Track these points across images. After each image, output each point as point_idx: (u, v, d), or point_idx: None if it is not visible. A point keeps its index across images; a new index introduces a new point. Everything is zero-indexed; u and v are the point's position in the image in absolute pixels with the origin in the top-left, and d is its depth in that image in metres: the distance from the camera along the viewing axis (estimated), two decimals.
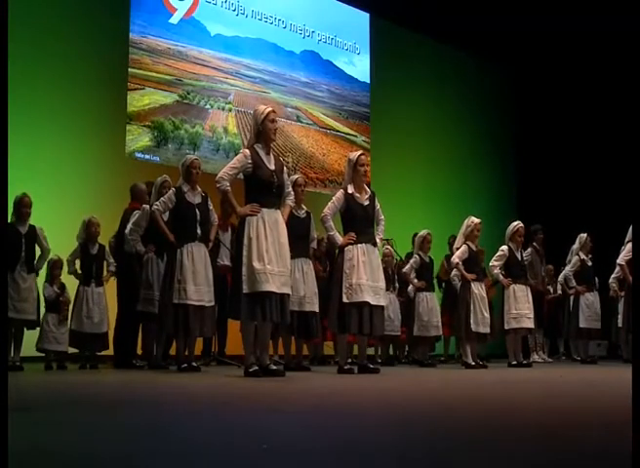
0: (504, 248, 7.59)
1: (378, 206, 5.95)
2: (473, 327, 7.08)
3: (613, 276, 8.59)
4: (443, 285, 9.10)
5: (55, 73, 8.38)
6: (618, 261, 7.89)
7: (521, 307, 7.46)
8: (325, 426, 2.29)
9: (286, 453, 1.74)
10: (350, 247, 5.69)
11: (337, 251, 5.95)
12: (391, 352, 8.66)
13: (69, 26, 8.59)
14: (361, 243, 5.71)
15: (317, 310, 6.31)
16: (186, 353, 5.91)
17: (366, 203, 5.83)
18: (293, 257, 5.91)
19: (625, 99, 10.45)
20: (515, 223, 7.71)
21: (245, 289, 4.78)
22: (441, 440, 2.00)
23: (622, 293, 8.52)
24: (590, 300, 8.74)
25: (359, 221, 5.78)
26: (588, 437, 2.08)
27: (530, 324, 7.53)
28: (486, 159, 13.39)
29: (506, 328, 7.47)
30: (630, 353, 8.20)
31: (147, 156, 9.11)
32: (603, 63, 12.12)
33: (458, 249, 7.34)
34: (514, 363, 7.39)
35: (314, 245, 6.71)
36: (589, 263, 8.84)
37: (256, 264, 4.77)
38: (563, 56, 12.74)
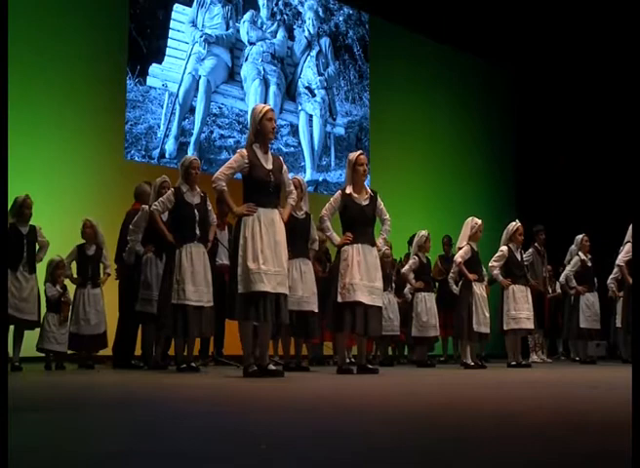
0: (504, 248, 7.57)
1: (381, 205, 5.92)
2: (475, 327, 7.09)
3: (611, 277, 8.60)
4: (437, 285, 9.06)
5: (54, 73, 8.36)
6: (617, 262, 7.88)
7: (520, 308, 7.44)
8: (325, 426, 2.28)
9: (286, 453, 1.74)
10: (347, 247, 5.69)
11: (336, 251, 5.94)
12: (390, 352, 8.66)
13: (68, 26, 8.58)
14: (358, 243, 5.70)
15: (316, 310, 6.31)
16: (185, 353, 5.91)
17: (365, 203, 5.82)
18: (291, 258, 5.92)
19: (625, 100, 10.47)
20: (514, 223, 7.71)
21: (240, 289, 4.77)
22: (441, 440, 2.00)
23: (621, 294, 8.53)
24: (590, 301, 8.74)
25: (357, 222, 5.77)
26: (588, 437, 2.08)
27: (529, 325, 7.51)
28: (485, 159, 13.39)
29: (505, 328, 7.47)
30: (629, 353, 8.21)
31: (146, 157, 9.10)
32: (603, 63, 12.13)
33: (460, 249, 7.35)
34: (513, 363, 7.39)
35: (316, 246, 6.69)
36: (589, 264, 8.84)
37: (250, 264, 4.75)
38: (563, 55, 12.75)
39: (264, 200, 4.94)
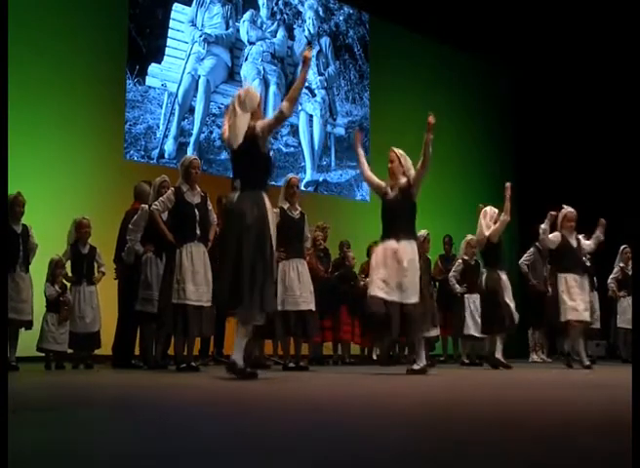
0: (557, 234, 7.19)
1: (412, 179, 5.81)
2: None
3: (611, 277, 8.59)
4: (437, 285, 9.04)
5: (54, 73, 8.36)
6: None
7: (576, 298, 6.99)
8: (325, 426, 2.28)
9: (286, 453, 1.74)
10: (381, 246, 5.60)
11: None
12: (390, 352, 8.65)
13: (68, 26, 8.58)
14: (390, 239, 5.59)
15: (314, 309, 6.32)
16: (185, 353, 5.90)
17: (393, 194, 5.71)
18: (288, 258, 5.96)
19: (625, 100, 10.47)
20: (564, 209, 7.34)
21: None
22: (441, 440, 2.00)
23: (621, 294, 8.52)
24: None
25: (390, 214, 5.67)
26: (587, 437, 2.08)
27: (587, 317, 7.06)
28: (485, 159, 13.38)
29: (563, 319, 7.00)
30: (629, 353, 8.20)
31: (146, 157, 9.10)
32: (602, 63, 12.13)
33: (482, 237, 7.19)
34: (587, 364, 6.89)
35: (308, 244, 6.74)
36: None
37: None
38: (563, 56, 12.74)
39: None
